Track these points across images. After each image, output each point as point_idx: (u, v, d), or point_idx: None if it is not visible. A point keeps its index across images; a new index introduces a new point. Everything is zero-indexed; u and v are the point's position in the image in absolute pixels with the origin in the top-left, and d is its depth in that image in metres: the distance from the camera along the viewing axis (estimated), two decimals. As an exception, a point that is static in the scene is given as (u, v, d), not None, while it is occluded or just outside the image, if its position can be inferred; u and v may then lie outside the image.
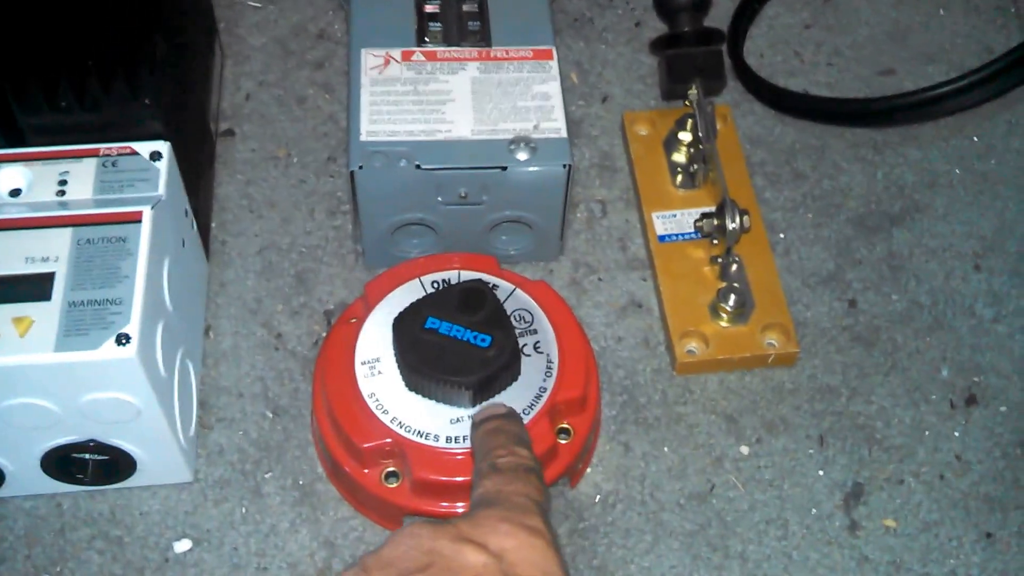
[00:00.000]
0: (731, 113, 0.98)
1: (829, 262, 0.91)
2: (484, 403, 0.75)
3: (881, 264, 0.92)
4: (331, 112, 0.98)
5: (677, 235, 0.91)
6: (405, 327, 0.75)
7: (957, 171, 0.97)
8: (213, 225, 0.91)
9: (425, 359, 0.74)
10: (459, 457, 0.74)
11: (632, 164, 0.95)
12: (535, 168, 0.82)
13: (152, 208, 0.73)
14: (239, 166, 0.95)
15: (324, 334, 0.86)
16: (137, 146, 0.77)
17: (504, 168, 0.81)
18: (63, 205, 0.74)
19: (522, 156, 0.82)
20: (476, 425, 0.72)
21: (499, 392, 0.75)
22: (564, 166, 0.82)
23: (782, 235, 0.93)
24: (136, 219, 0.72)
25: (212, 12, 0.99)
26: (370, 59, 0.86)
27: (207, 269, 0.88)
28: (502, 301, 0.78)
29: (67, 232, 0.72)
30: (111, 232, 0.72)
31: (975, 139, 0.99)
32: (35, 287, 0.70)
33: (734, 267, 0.87)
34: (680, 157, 0.94)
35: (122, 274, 0.70)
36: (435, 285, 0.81)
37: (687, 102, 0.93)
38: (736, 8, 1.05)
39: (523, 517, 0.63)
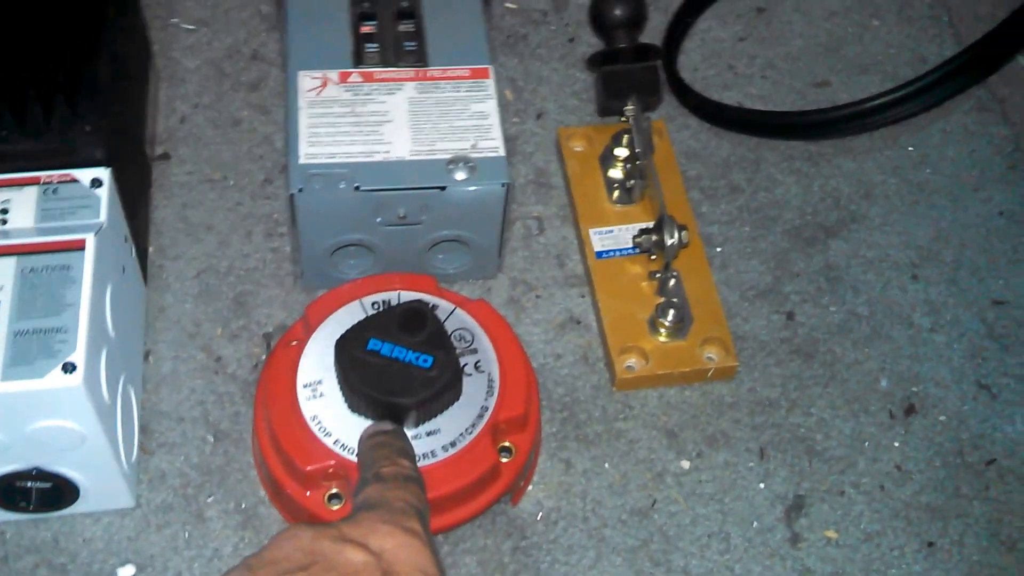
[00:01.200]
0: (667, 128, 1.00)
1: (767, 275, 0.94)
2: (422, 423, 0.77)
3: (818, 276, 0.94)
4: (266, 134, 1.00)
5: (615, 251, 0.92)
6: (347, 348, 0.76)
7: (892, 181, 1.00)
8: (151, 249, 0.93)
9: (367, 380, 0.75)
10: (402, 478, 0.75)
11: (568, 180, 0.97)
12: (473, 187, 0.84)
13: (95, 235, 0.74)
14: (175, 189, 0.96)
15: (264, 357, 0.87)
16: (78, 173, 0.78)
17: (443, 188, 0.83)
18: (5, 234, 0.75)
19: (460, 176, 0.84)
20: (363, 440, 0.74)
21: (442, 412, 0.77)
22: (502, 185, 0.84)
23: (719, 249, 0.95)
24: (79, 247, 0.74)
25: (147, 35, 1.01)
26: (307, 81, 0.88)
27: (145, 294, 0.89)
28: (443, 321, 0.79)
29: (11, 261, 0.73)
30: (55, 260, 0.73)
31: (910, 149, 1.02)
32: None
33: (672, 282, 0.89)
34: (616, 173, 0.96)
35: (66, 302, 0.71)
36: (376, 306, 0.82)
37: (623, 118, 0.95)
38: (670, 23, 1.07)
39: (403, 520, 0.66)
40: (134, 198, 0.88)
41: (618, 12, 0.99)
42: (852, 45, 1.10)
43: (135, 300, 0.86)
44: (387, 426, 0.75)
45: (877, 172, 1.00)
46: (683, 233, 0.88)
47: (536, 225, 0.96)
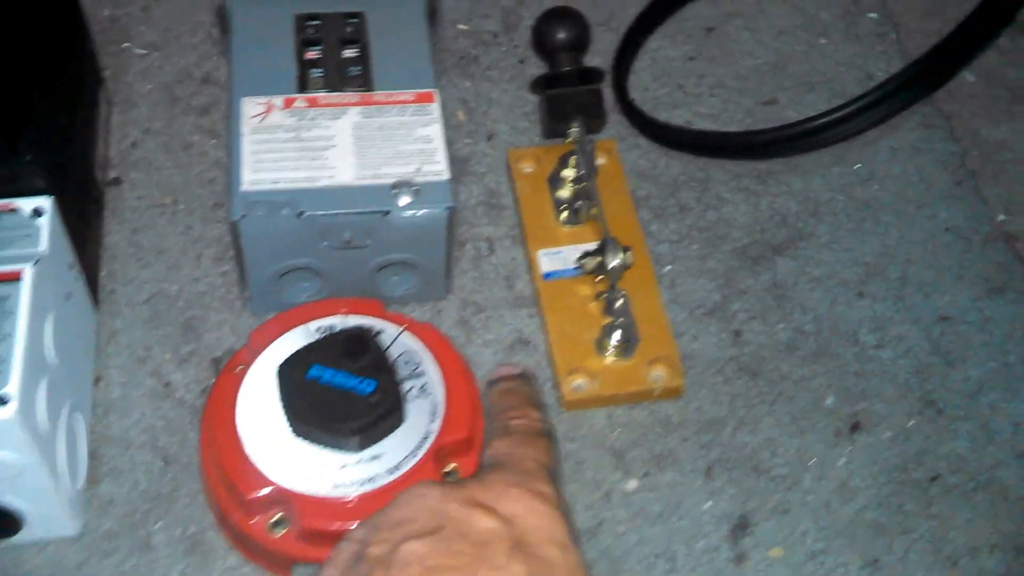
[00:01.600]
0: (616, 147, 1.00)
1: (715, 293, 0.94)
2: (370, 443, 0.77)
3: (766, 294, 0.94)
4: (217, 158, 0.99)
5: (562, 272, 0.93)
6: (289, 375, 0.76)
7: (840, 199, 1.00)
8: (102, 274, 0.92)
9: (309, 406, 0.75)
10: (347, 504, 0.75)
11: (518, 201, 0.97)
12: (417, 211, 0.84)
13: (33, 266, 0.74)
14: (127, 214, 0.96)
15: (212, 381, 0.87)
16: (18, 203, 0.78)
17: (387, 212, 0.83)
18: (-58, 268, 0.75)
19: (404, 200, 0.83)
20: (490, 384, 0.74)
21: (385, 436, 0.77)
22: (446, 209, 0.84)
23: (668, 267, 0.95)
24: (15, 278, 0.73)
25: (97, 61, 1.00)
26: (251, 107, 0.88)
27: (96, 319, 0.89)
28: (388, 345, 0.80)
29: (-56, 293, 0.73)
30: (-9, 293, 0.73)
31: (857, 166, 1.02)
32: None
33: (619, 302, 0.89)
34: (564, 194, 0.96)
35: (3, 333, 0.71)
36: (321, 331, 0.82)
37: (568, 140, 0.95)
38: (620, 43, 1.07)
39: (533, 482, 0.65)
40: (83, 224, 0.88)
41: (561, 35, 0.99)
42: (800, 63, 1.10)
43: (84, 326, 0.86)
44: (514, 369, 0.74)
45: (825, 190, 1.01)
46: (627, 254, 0.88)
47: (486, 246, 0.96)
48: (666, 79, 1.08)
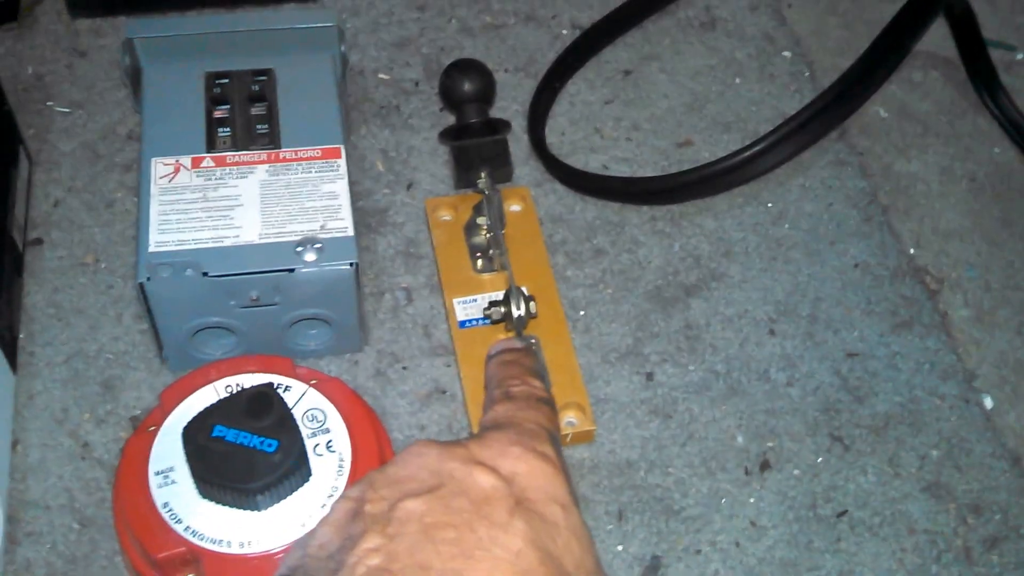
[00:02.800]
0: (531, 194, 1.00)
1: (628, 336, 0.94)
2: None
3: (678, 335, 0.94)
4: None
5: (477, 320, 0.92)
6: (193, 436, 0.76)
7: (752, 238, 1.00)
8: (21, 336, 0.92)
9: (212, 467, 0.75)
10: (253, 561, 0.75)
11: (435, 250, 0.97)
12: (322, 268, 0.83)
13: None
14: (47, 275, 0.95)
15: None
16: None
17: (291, 270, 0.83)
18: None
19: (309, 257, 0.83)
20: (491, 357, 0.74)
21: (290, 494, 0.77)
22: (350, 264, 0.84)
23: (583, 312, 0.95)
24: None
25: (14, 121, 1.00)
26: (159, 168, 0.88)
27: (14, 383, 0.89)
28: (295, 402, 0.79)
29: None
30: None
31: (769, 205, 1.02)
32: None
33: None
34: (479, 241, 0.96)
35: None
36: (228, 389, 0.82)
37: (477, 190, 0.95)
38: (536, 88, 1.07)
39: (534, 442, 0.64)
40: (1, 289, 0.87)
41: (467, 87, 0.99)
42: (715, 103, 1.10)
43: (1, 393, 0.85)
44: (517, 343, 0.74)
45: (737, 230, 1.01)
46: (531, 304, 0.88)
47: (404, 296, 0.96)
48: (583, 123, 1.08)
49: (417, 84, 1.10)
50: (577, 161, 1.04)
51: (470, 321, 0.92)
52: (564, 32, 1.14)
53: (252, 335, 0.88)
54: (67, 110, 1.07)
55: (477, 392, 0.88)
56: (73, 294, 0.95)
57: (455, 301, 0.93)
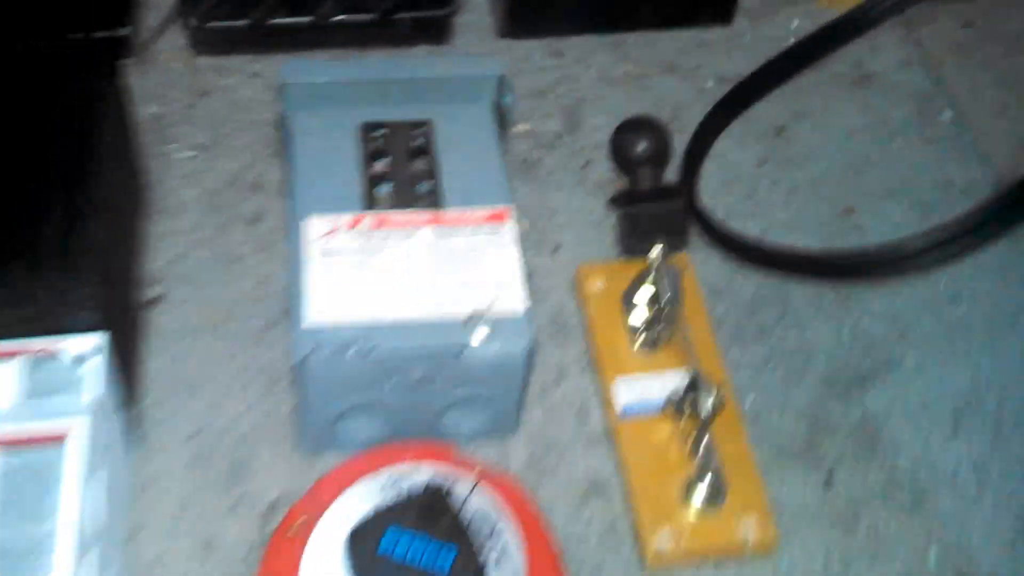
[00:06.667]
0: (690, 262, 0.85)
1: (801, 429, 0.78)
2: None
3: (856, 430, 0.79)
4: (267, 273, 0.84)
5: (640, 405, 0.77)
6: (360, 547, 0.62)
7: (926, 321, 0.85)
8: (140, 406, 0.77)
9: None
10: None
11: (588, 324, 0.82)
12: (492, 350, 0.69)
13: (84, 422, 0.59)
14: (168, 337, 0.81)
15: (266, 531, 0.71)
16: (65, 342, 0.63)
17: (460, 351, 0.68)
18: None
19: (478, 336, 0.69)
20: None
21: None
22: (524, 347, 0.69)
23: (751, 399, 0.80)
24: (60, 439, 0.59)
25: (142, 165, 0.85)
26: (315, 228, 0.73)
27: (134, 460, 0.74)
28: (463, 500, 0.64)
29: (-12, 457, 0.58)
30: (37, 455, 0.58)
31: (942, 284, 0.86)
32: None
33: (705, 446, 0.73)
34: (639, 316, 0.81)
35: (49, 506, 0.56)
36: (389, 484, 0.67)
37: (648, 262, 0.79)
38: (687, 148, 0.92)
39: None
40: (124, 352, 0.72)
41: (642, 148, 0.83)
42: (874, 167, 0.94)
43: (123, 475, 0.71)
44: None
45: (909, 311, 0.85)
46: (719, 395, 0.72)
47: (554, 374, 0.80)
48: (736, 185, 0.92)
49: (559, 136, 0.95)
50: (733, 227, 0.88)
51: (632, 408, 0.77)
52: (709, 85, 0.99)
53: (401, 416, 0.73)
54: (190, 154, 0.91)
55: (644, 491, 0.74)
56: (196, 361, 0.80)
57: (614, 384, 0.78)
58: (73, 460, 0.59)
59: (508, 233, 0.74)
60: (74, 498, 0.58)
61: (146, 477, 0.74)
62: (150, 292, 0.83)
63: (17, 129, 0.71)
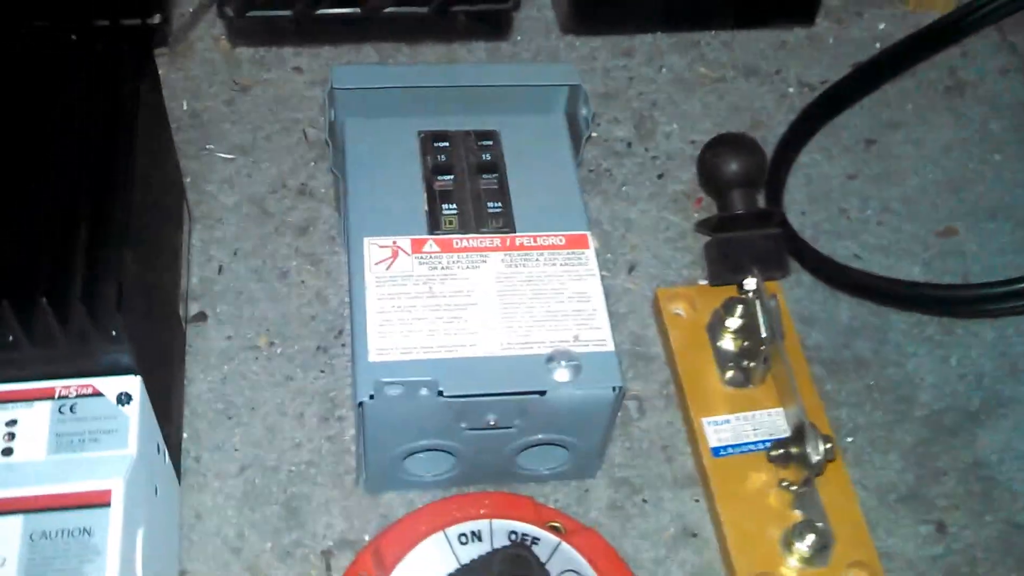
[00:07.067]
0: (779, 288, 0.79)
1: (907, 472, 0.73)
2: None
3: (967, 474, 0.73)
4: (318, 289, 0.78)
5: (733, 447, 0.72)
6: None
7: (1040, 354, 0.79)
8: (184, 436, 0.71)
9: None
10: None
11: (671, 354, 0.76)
12: (578, 392, 0.63)
13: (124, 480, 0.53)
14: (213, 359, 0.75)
15: (324, 581, 0.66)
16: (100, 384, 0.57)
17: (542, 393, 0.62)
18: (10, 471, 0.54)
19: (563, 377, 0.63)
20: None
21: None
22: (614, 389, 0.62)
23: (850, 439, 0.74)
24: (103, 501, 0.52)
25: (180, 169, 0.79)
26: (375, 251, 0.67)
27: (180, 496, 0.68)
28: (547, 559, 0.58)
29: (15, 522, 0.52)
30: (72, 521, 0.53)
31: (1051, 314, 0.81)
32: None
33: (810, 493, 0.68)
34: (728, 347, 0.75)
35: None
36: (463, 539, 0.61)
37: (743, 293, 0.74)
38: (772, 160, 0.86)
39: None
40: (165, 375, 0.67)
41: (735, 169, 0.77)
42: (974, 184, 0.89)
43: (169, 512, 0.65)
44: None
45: (1020, 343, 0.79)
46: (830, 448, 0.66)
47: (635, 407, 0.75)
48: (825, 202, 0.86)
49: (629, 145, 0.88)
50: (823, 247, 0.82)
51: (725, 448, 0.71)
52: (791, 90, 0.93)
53: (472, 459, 0.66)
54: (229, 156, 0.85)
55: (741, 541, 0.68)
56: (245, 385, 0.74)
57: (705, 422, 0.73)
58: (110, 531, 0.53)
59: (589, 261, 0.69)
60: (115, 565, 0.52)
61: (195, 512, 0.69)
62: (192, 309, 0.77)
63: (37, 131, 0.64)
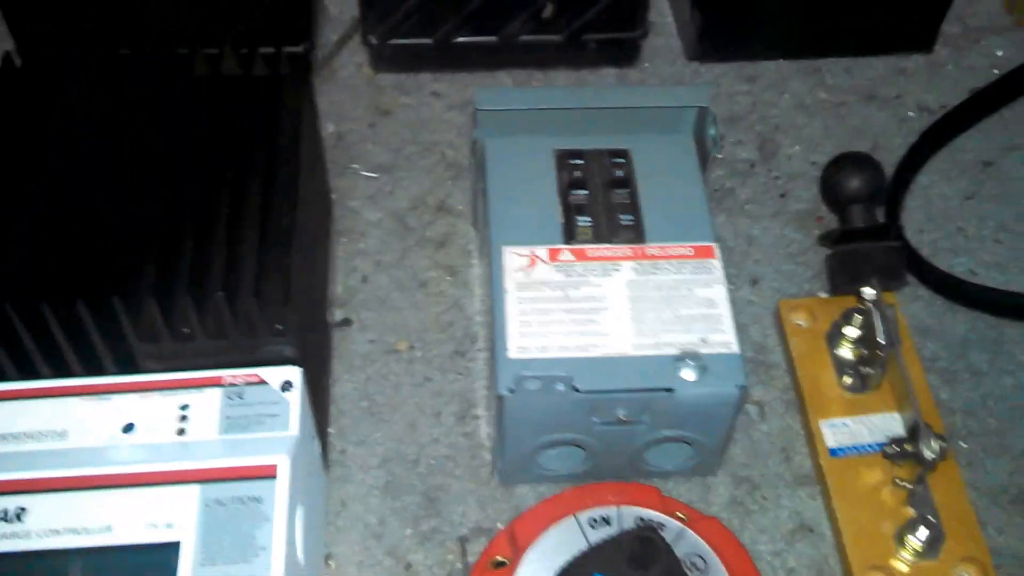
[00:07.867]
0: (897, 299, 0.85)
1: (1019, 475, 0.79)
2: None
3: (1078, 480, 0.78)
4: (455, 298, 0.86)
5: (849, 448, 0.78)
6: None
7: None
8: (331, 431, 0.79)
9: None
10: None
11: (792, 361, 0.83)
12: (704, 390, 0.70)
13: (289, 456, 0.60)
14: (357, 361, 0.83)
15: (459, 565, 0.73)
16: (265, 373, 0.65)
17: (670, 390, 0.69)
18: (185, 448, 0.62)
19: (689, 376, 0.69)
20: None
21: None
22: (737, 388, 0.69)
23: (964, 444, 0.80)
24: (271, 474, 0.60)
25: (329, 185, 0.88)
26: (514, 259, 0.74)
27: (328, 485, 0.76)
28: (670, 544, 0.65)
29: (194, 490, 0.60)
30: (243, 490, 0.60)
31: None
32: (158, 559, 0.58)
33: (923, 490, 0.74)
34: (846, 355, 0.82)
35: (258, 544, 0.58)
36: (592, 524, 0.68)
37: (862, 304, 0.80)
38: (892, 180, 0.92)
39: None
40: (317, 377, 0.75)
41: (854, 186, 0.84)
42: (1091, 206, 0.94)
43: (319, 500, 0.73)
44: None
45: None
46: (944, 445, 0.72)
47: (757, 411, 0.81)
48: (942, 221, 0.93)
49: (752, 166, 0.95)
50: (940, 263, 0.88)
51: (842, 449, 0.77)
52: (910, 115, 0.99)
53: (601, 453, 0.73)
54: (374, 175, 0.93)
55: (857, 536, 0.74)
56: (387, 385, 0.82)
57: (822, 424, 0.79)
58: (276, 500, 0.61)
59: (714, 270, 0.75)
60: (280, 539, 0.60)
61: (340, 500, 0.76)
62: (337, 314, 0.85)
63: (217, 149, 0.74)
